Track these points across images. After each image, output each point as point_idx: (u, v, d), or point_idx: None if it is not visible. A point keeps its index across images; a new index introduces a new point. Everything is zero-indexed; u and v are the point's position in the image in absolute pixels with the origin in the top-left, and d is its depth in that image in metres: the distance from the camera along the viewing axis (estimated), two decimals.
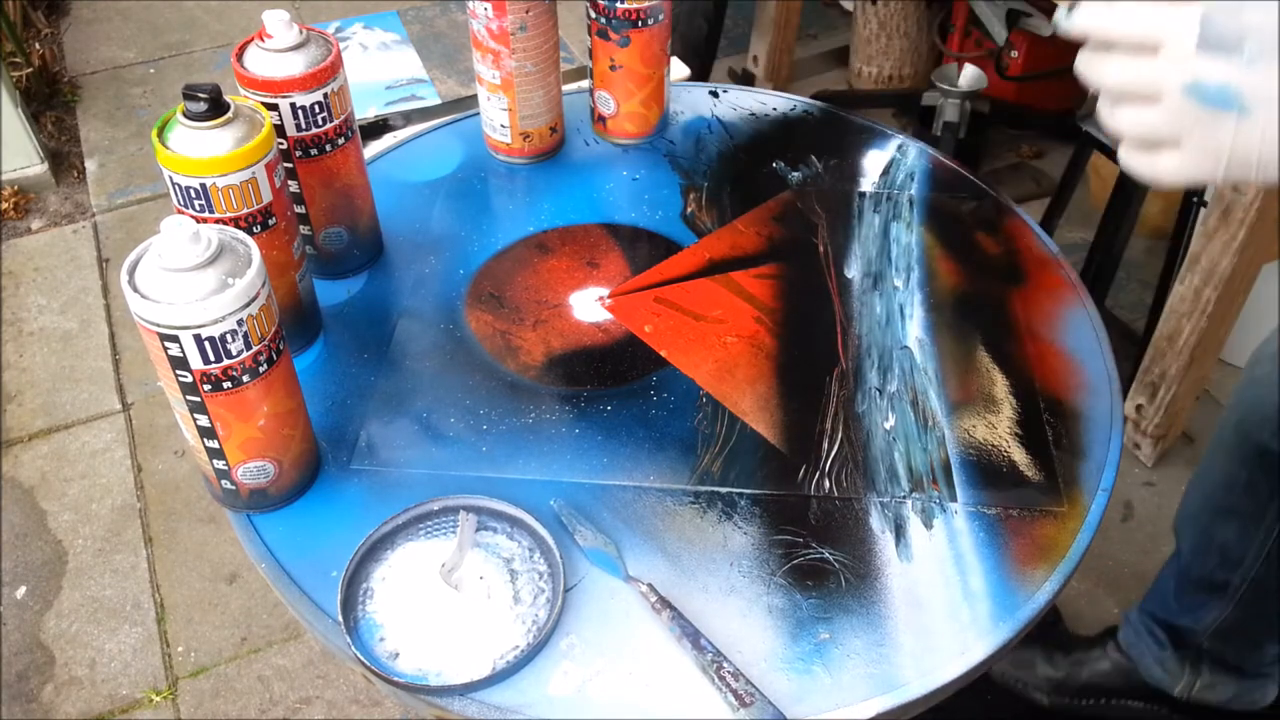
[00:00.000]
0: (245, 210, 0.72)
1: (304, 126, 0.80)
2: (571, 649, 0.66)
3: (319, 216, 0.87)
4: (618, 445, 0.78)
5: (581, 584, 0.69)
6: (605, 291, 0.91)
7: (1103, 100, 0.57)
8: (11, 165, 2.08)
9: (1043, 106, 2.14)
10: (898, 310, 0.89)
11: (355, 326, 0.88)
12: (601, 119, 1.06)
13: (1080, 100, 2.02)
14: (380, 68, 1.86)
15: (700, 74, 2.07)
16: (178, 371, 0.64)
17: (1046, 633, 1.32)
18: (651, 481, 0.76)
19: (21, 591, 1.47)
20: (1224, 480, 1.05)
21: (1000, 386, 0.82)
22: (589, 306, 0.89)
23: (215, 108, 0.70)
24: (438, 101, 1.75)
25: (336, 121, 0.82)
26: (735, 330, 0.87)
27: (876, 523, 0.73)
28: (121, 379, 1.78)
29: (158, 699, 1.36)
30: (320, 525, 0.73)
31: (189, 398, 0.66)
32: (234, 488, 0.72)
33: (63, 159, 2.20)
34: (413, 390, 0.82)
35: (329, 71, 0.80)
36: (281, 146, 0.80)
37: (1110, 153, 1.40)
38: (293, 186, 0.84)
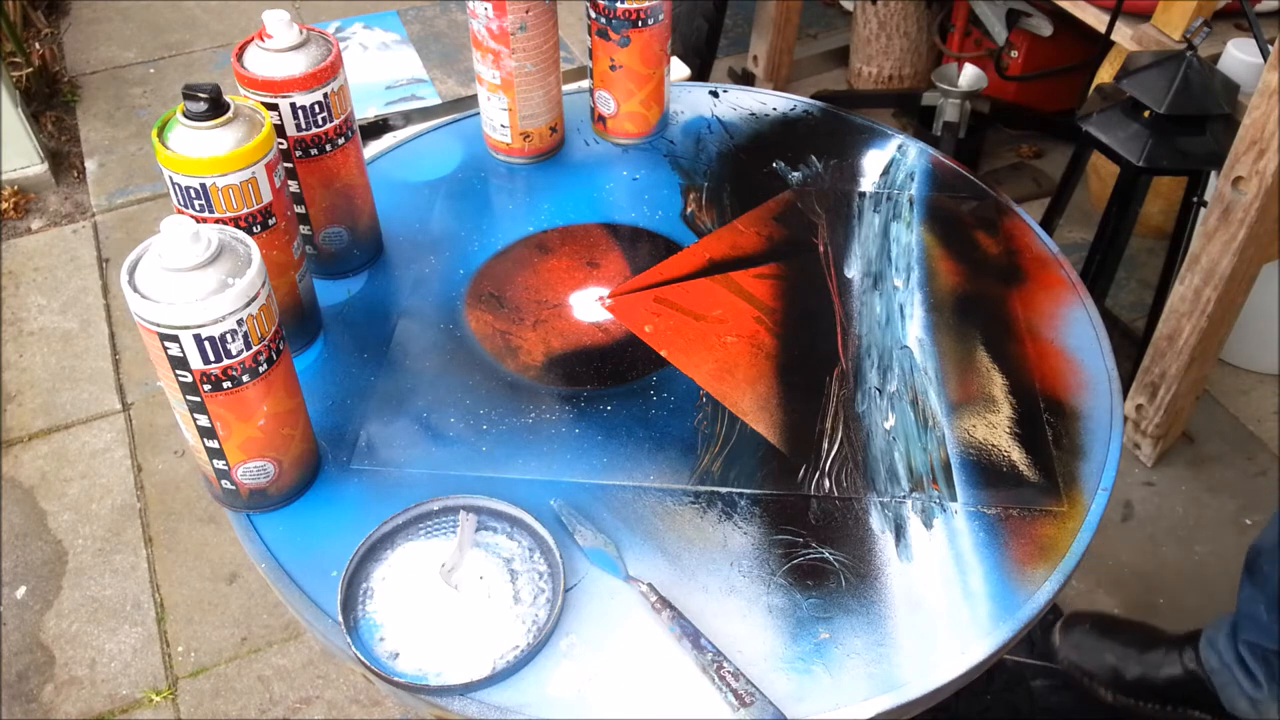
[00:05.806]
0: (245, 210, 0.72)
1: (304, 126, 0.80)
2: (571, 649, 0.66)
3: (319, 216, 0.87)
4: (618, 445, 0.78)
5: (581, 584, 0.69)
6: (605, 291, 0.91)
7: None
8: (11, 165, 2.08)
9: (1043, 106, 2.14)
10: (898, 310, 0.89)
11: (355, 326, 0.88)
12: (601, 119, 1.06)
13: (1080, 100, 2.02)
14: (380, 68, 1.87)
15: (700, 74, 2.07)
16: (178, 371, 0.64)
17: (1122, 626, 1.30)
18: (651, 481, 0.76)
19: (21, 591, 1.47)
20: None
21: (1000, 386, 0.82)
22: (589, 306, 0.89)
23: (215, 108, 0.70)
24: (438, 101, 1.75)
25: (336, 121, 0.82)
26: (735, 330, 0.87)
27: (876, 523, 0.73)
28: (121, 379, 1.78)
29: (158, 699, 1.36)
30: (320, 525, 0.73)
31: (189, 398, 0.66)
32: (234, 488, 0.72)
33: (63, 159, 2.20)
34: (413, 390, 0.82)
35: (329, 71, 0.80)
36: (281, 146, 0.80)
37: (1110, 152, 1.40)
38: (293, 186, 0.84)
